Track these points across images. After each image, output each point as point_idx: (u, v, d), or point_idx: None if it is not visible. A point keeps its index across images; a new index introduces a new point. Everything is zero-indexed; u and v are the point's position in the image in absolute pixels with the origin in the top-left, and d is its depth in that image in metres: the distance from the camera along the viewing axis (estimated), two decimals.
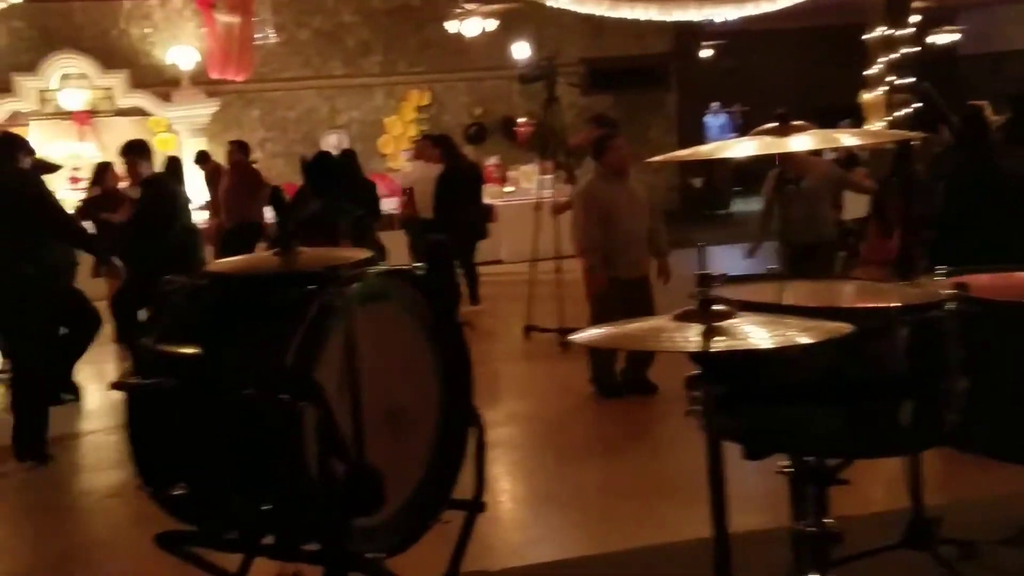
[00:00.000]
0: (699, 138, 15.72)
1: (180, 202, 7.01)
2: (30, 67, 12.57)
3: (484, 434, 3.00)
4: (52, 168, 6.65)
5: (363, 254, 2.92)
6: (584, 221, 6.37)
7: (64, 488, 5.68)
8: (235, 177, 10.12)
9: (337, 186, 5.62)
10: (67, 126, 12.79)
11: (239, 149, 10.35)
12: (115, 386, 2.84)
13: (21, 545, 4.89)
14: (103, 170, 9.46)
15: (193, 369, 2.74)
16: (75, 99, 12.71)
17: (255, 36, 12.21)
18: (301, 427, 2.52)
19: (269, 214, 11.84)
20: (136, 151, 6.94)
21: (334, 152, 13.68)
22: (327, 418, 2.56)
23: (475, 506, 2.98)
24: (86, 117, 12.81)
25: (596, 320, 4.94)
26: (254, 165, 12.30)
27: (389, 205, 11.18)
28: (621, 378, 6.46)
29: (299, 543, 2.69)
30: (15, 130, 12.31)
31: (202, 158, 11.57)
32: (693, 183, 15.90)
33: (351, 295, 2.67)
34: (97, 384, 7.22)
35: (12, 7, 10.73)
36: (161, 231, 6.66)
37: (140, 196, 7.01)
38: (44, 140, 12.51)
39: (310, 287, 2.66)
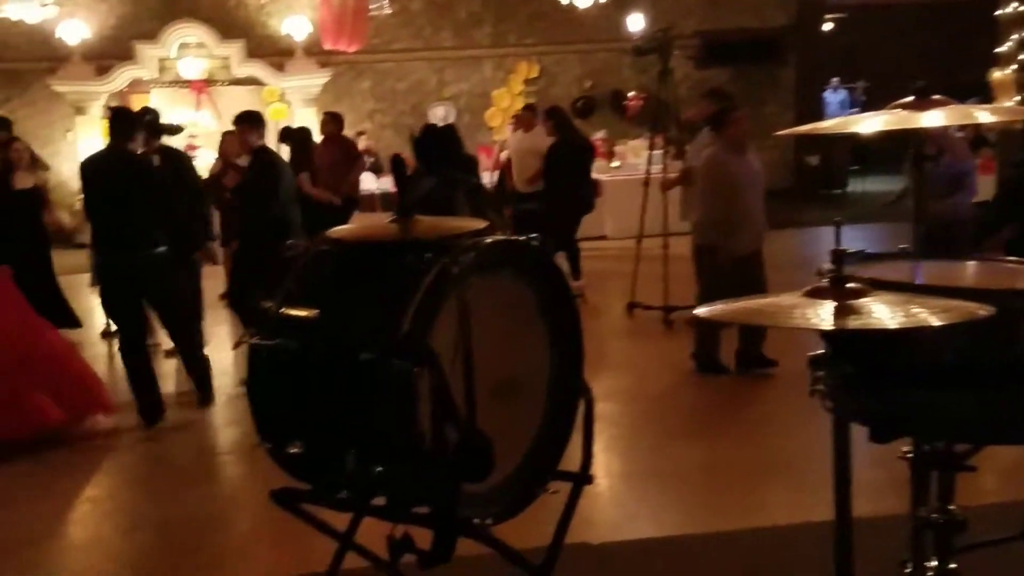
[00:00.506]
0: (818, 114, 15.27)
1: (285, 173, 7.13)
2: (151, 36, 12.94)
3: (593, 407, 3.01)
4: (174, 129, 6.78)
5: (479, 224, 2.94)
6: (709, 194, 6.30)
7: (186, 445, 5.91)
8: (331, 150, 10.24)
9: (447, 158, 5.64)
10: (185, 94, 13.17)
11: (333, 121, 10.45)
12: (239, 346, 2.94)
13: (147, 501, 5.09)
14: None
15: (313, 332, 2.81)
16: (193, 68, 13.05)
17: (370, 7, 12.33)
18: (415, 392, 2.57)
19: (371, 184, 12.06)
20: (248, 121, 7.09)
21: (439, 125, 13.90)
22: (441, 384, 2.60)
23: (582, 478, 2.99)
24: (203, 86, 13.16)
25: (710, 295, 4.87)
26: (361, 136, 12.52)
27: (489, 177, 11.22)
28: (737, 356, 6.42)
29: (409, 505, 2.74)
30: (136, 97, 12.85)
31: (286, 135, 11.69)
32: (809, 161, 15.47)
33: (467, 264, 2.70)
34: (213, 345, 7.42)
35: None
36: (266, 201, 6.80)
37: (248, 165, 7.17)
38: (163, 108, 12.89)
39: (427, 255, 2.70)
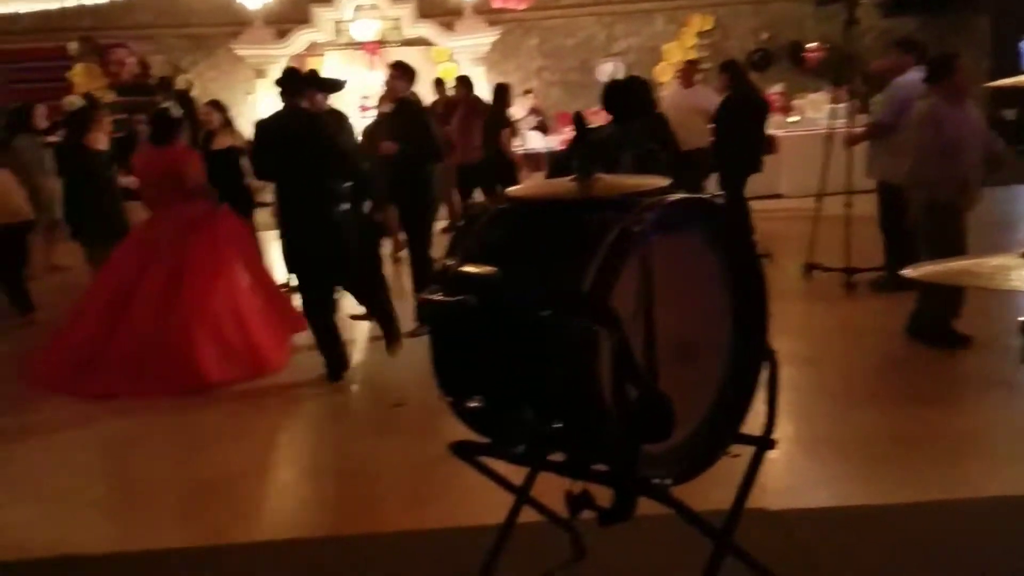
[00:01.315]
0: (1015, 66, 14.26)
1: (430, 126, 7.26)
2: None
3: (777, 371, 2.92)
4: (337, 85, 6.85)
5: (662, 182, 2.88)
6: (926, 148, 5.91)
7: (365, 397, 6.11)
8: (465, 113, 10.33)
9: (630, 115, 5.49)
10: (358, 56, 13.46)
11: (463, 85, 10.63)
12: (421, 302, 2.99)
13: (328, 449, 5.30)
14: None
15: (493, 289, 2.83)
16: (366, 29, 13.34)
17: None
18: (596, 351, 2.55)
19: (538, 143, 12.05)
20: (399, 68, 7.24)
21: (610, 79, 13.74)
22: (621, 343, 2.57)
23: (765, 443, 2.92)
24: (375, 47, 13.42)
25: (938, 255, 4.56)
26: (528, 94, 12.50)
27: None
28: (915, 320, 6.08)
29: (588, 463, 2.74)
30: (312, 60, 13.24)
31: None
32: (1004, 115, 14.49)
33: (650, 223, 2.65)
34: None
35: None
36: (416, 141, 6.92)
37: (391, 112, 7.28)
38: (338, 69, 13.26)
39: (610, 213, 2.66)
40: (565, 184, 2.98)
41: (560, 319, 2.59)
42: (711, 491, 3.03)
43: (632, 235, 2.61)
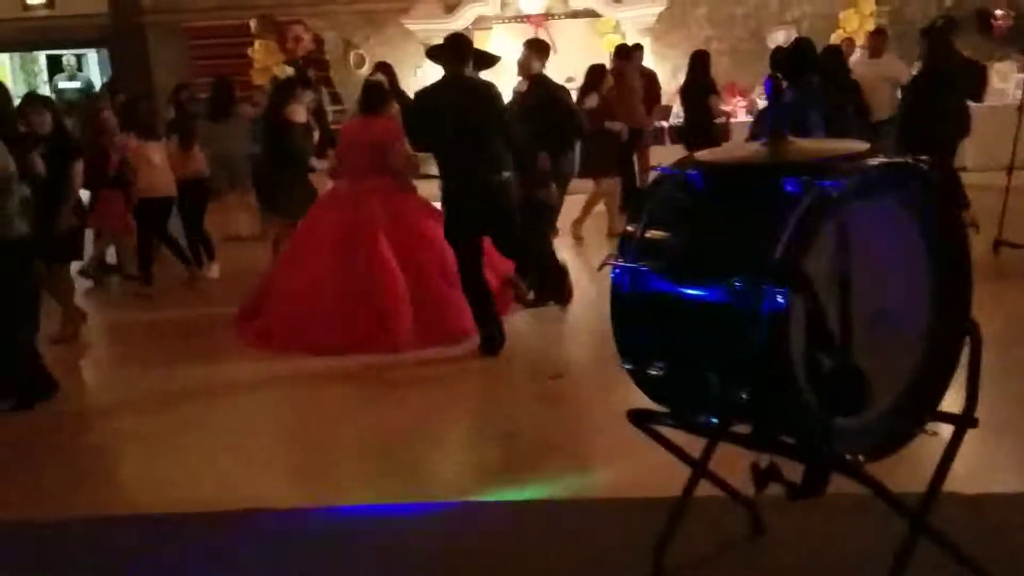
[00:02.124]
0: None
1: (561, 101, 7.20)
2: None
3: (980, 346, 2.77)
4: (491, 60, 6.82)
5: (860, 146, 2.76)
6: None
7: (519, 366, 6.15)
8: (617, 84, 10.19)
9: (804, 75, 5.29)
10: (524, 29, 13.49)
11: (619, 55, 10.48)
12: (602, 268, 2.97)
13: (493, 415, 5.37)
14: (598, 75, 9.62)
15: (679, 255, 2.78)
16: (534, 2, 13.35)
17: None
18: (788, 319, 2.48)
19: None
20: (531, 46, 7.17)
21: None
22: (816, 312, 2.49)
23: (966, 421, 2.78)
24: (541, 19, 13.41)
25: None
26: None
27: None
28: None
29: (776, 435, 2.67)
30: (479, 33, 13.35)
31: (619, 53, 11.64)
32: None
33: (847, 187, 2.55)
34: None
35: None
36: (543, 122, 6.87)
37: (526, 91, 7.20)
38: (503, 42, 13.35)
39: (804, 178, 2.57)
40: (755, 148, 2.90)
41: (750, 286, 2.52)
42: (904, 469, 2.92)
43: (829, 200, 2.52)
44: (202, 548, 3.81)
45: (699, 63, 10.45)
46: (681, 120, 11.09)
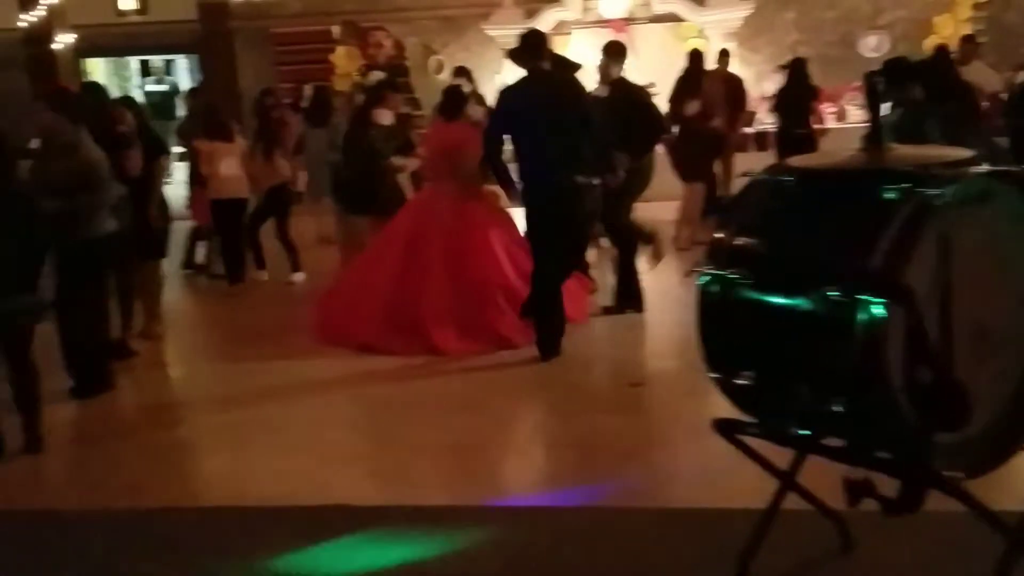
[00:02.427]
0: None
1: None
2: None
3: None
4: (572, 66, 6.78)
5: (963, 153, 2.67)
6: None
7: (597, 373, 6.11)
8: (716, 86, 10.05)
9: (919, 86, 5.15)
10: (604, 34, 13.42)
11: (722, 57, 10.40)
12: (690, 274, 2.93)
13: (561, 423, 5.34)
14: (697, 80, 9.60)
15: (770, 263, 2.73)
16: (615, 7, 13.26)
17: None
18: (885, 331, 2.41)
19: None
20: (611, 51, 7.08)
21: (874, 54, 13.00)
22: (916, 324, 2.41)
23: None
24: (622, 25, 13.32)
25: None
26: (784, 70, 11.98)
27: None
28: None
29: (871, 449, 2.60)
30: (558, 39, 13.33)
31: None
32: None
33: (950, 196, 2.47)
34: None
35: None
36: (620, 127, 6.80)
37: (607, 95, 7.07)
38: (583, 48, 13.31)
39: (904, 185, 2.49)
40: (852, 154, 2.82)
41: (846, 296, 2.46)
42: (1005, 488, 2.81)
43: (930, 208, 2.44)
44: (281, 542, 3.85)
45: (799, 70, 10.26)
46: (773, 127, 10.92)
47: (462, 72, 9.20)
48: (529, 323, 6.16)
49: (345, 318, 6.60)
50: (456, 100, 6.88)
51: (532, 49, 6.10)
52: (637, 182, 7.09)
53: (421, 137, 7.44)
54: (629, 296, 6.96)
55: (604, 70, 7.17)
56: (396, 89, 8.54)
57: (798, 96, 10.13)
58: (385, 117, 7.92)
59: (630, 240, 6.98)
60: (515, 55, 6.29)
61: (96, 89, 7.79)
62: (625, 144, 6.71)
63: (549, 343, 6.06)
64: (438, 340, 6.26)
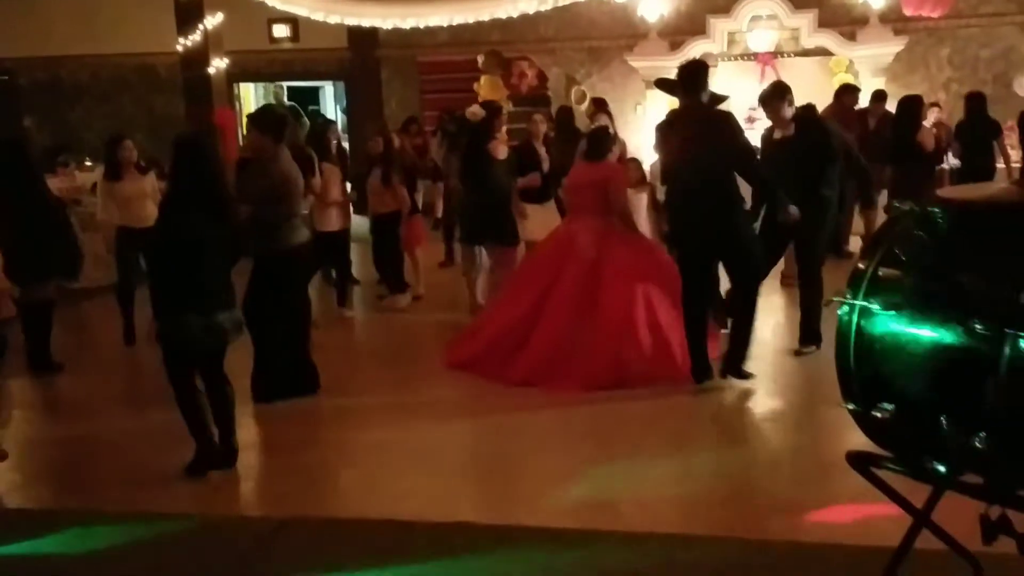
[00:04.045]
0: None
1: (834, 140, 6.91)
2: (725, 10, 13.26)
3: None
4: (718, 99, 6.76)
5: None
6: None
7: (722, 407, 6.04)
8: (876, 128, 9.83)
9: None
10: (750, 67, 13.31)
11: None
12: (829, 304, 2.90)
13: (690, 455, 5.29)
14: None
15: (914, 293, 2.68)
16: (762, 40, 13.15)
17: None
18: None
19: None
20: (776, 94, 6.86)
21: None
22: None
23: None
24: (769, 58, 13.19)
25: None
26: (934, 107, 11.65)
27: None
28: None
29: (1012, 487, 2.51)
30: None
31: (877, 97, 11.20)
32: None
33: None
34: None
35: None
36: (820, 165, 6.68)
37: (793, 137, 6.86)
38: (728, 80, 13.22)
39: None
40: (1005, 188, 2.75)
41: (993, 329, 2.39)
42: None
43: None
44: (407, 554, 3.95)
45: (978, 104, 9.97)
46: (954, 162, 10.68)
47: (601, 107, 9.23)
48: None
49: (481, 348, 6.73)
50: (602, 143, 6.96)
51: (686, 81, 6.11)
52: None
53: (565, 176, 7.51)
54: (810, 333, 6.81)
55: (777, 119, 6.89)
56: (498, 119, 8.52)
57: (981, 131, 9.90)
58: (500, 151, 8.01)
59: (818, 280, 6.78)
60: (667, 86, 6.35)
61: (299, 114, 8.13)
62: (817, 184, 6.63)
63: (700, 370, 6.12)
64: (615, 368, 6.27)
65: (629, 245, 6.65)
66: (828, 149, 6.73)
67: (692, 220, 6.06)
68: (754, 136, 12.17)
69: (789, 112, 6.79)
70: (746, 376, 6.15)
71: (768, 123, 7.23)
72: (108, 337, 8.11)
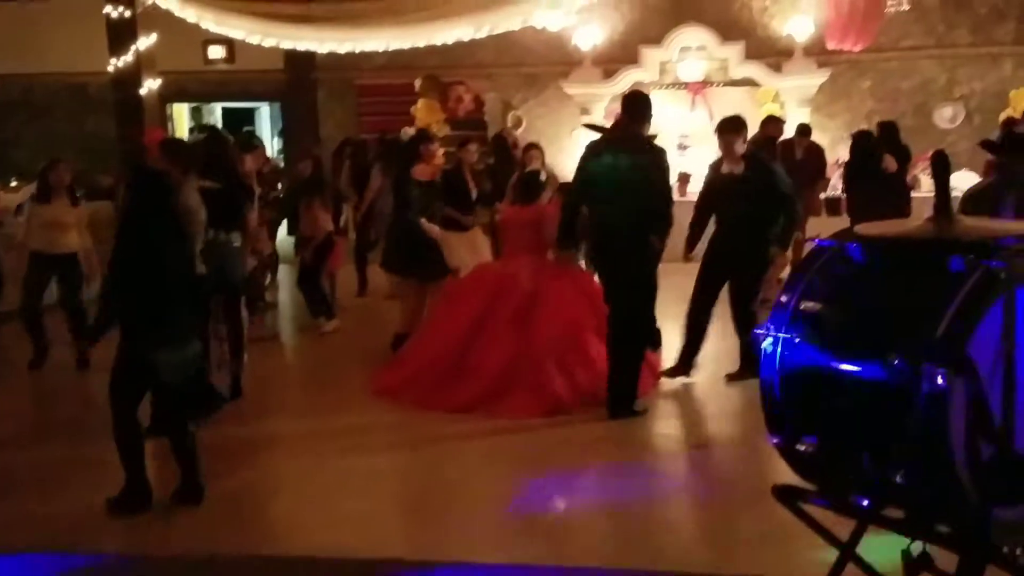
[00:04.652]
0: None
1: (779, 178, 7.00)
2: (656, 40, 13.47)
3: None
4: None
5: None
6: None
7: (655, 435, 6.07)
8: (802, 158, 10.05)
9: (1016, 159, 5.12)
10: (681, 95, 13.54)
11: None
12: (756, 338, 2.95)
13: (602, 478, 5.33)
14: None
15: (834, 329, 2.74)
16: (692, 70, 13.38)
17: (887, 4, 11.76)
18: (948, 402, 2.41)
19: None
20: (731, 129, 6.85)
21: (949, 125, 12.92)
22: (978, 396, 2.41)
23: None
24: (699, 87, 13.44)
25: None
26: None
27: None
28: None
29: (931, 521, 2.58)
30: None
31: (802, 131, 11.45)
32: None
33: (1016, 268, 2.47)
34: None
35: None
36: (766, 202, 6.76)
37: (742, 176, 6.84)
38: (658, 109, 13.36)
39: (970, 256, 2.51)
40: (919, 224, 2.84)
41: (910, 365, 2.46)
42: None
43: (996, 281, 2.45)
44: None
45: (890, 133, 10.05)
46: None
47: (531, 148, 9.21)
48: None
49: (409, 375, 6.71)
50: (535, 188, 7.02)
51: (633, 110, 6.20)
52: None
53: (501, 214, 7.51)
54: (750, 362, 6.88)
55: (728, 153, 6.88)
56: (426, 143, 8.49)
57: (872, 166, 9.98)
58: (424, 173, 7.96)
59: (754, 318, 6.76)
60: (600, 129, 6.44)
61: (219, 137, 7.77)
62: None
63: (618, 402, 6.11)
64: (553, 395, 6.28)
65: (564, 279, 6.71)
66: (776, 192, 6.76)
67: (612, 246, 6.13)
68: (685, 163, 12.55)
69: (741, 148, 6.85)
70: (636, 413, 6.17)
71: (702, 154, 7.33)
72: (24, 362, 7.88)
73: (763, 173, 6.81)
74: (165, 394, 4.88)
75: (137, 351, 4.75)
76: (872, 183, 8.89)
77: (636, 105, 6.26)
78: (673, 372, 6.96)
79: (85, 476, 5.27)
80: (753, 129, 10.43)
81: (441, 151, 8.98)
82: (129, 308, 4.84)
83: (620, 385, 6.13)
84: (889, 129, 9.60)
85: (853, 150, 9.47)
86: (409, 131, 11.15)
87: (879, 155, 9.03)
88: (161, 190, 4.95)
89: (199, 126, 14.57)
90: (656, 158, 6.15)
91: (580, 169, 6.32)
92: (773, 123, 10.47)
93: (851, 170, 9.46)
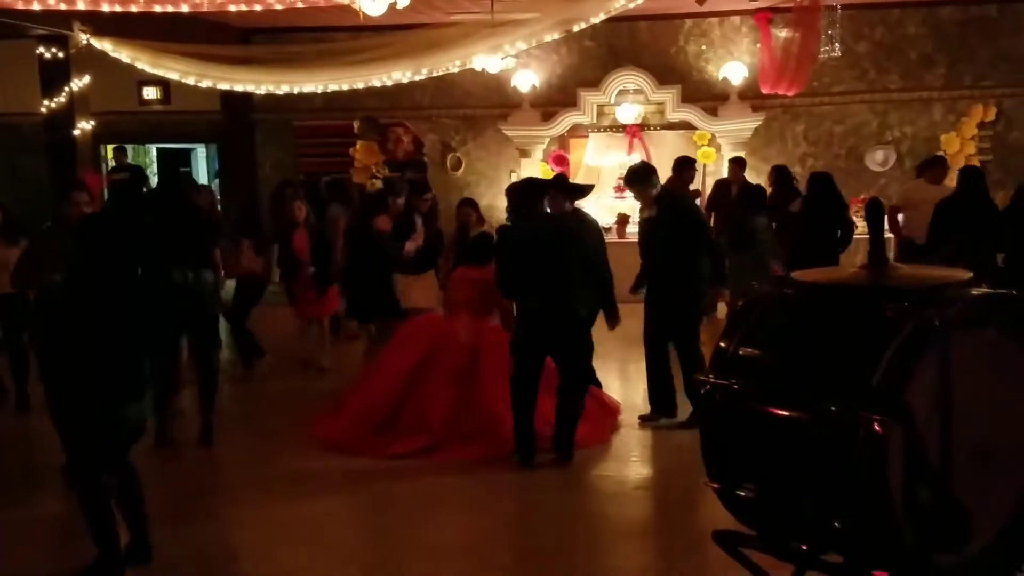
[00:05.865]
0: None
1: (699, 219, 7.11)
2: (594, 83, 13.62)
3: None
4: (582, 192, 7.12)
5: (963, 274, 2.73)
6: None
7: (600, 476, 6.04)
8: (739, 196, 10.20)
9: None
10: (619, 138, 13.69)
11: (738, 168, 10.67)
12: (696, 384, 2.96)
13: (548, 520, 5.29)
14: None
15: (773, 375, 2.76)
16: (629, 113, 13.53)
17: (821, 50, 12.02)
18: (886, 449, 2.43)
19: None
20: (638, 179, 6.96)
21: (881, 168, 13.23)
22: (914, 442, 2.43)
23: None
24: (636, 130, 13.60)
25: None
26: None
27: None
28: None
29: (869, 567, 2.59)
30: (574, 141, 13.63)
31: (736, 162, 11.65)
32: None
33: (950, 316, 2.51)
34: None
35: (587, 28, 11.71)
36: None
37: (655, 214, 6.89)
38: (597, 151, 13.55)
39: (905, 304, 2.54)
40: (855, 271, 2.88)
41: (847, 411, 2.48)
42: None
43: (932, 328, 2.48)
44: None
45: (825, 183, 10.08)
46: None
47: (468, 203, 9.20)
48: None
49: (348, 423, 6.61)
50: (485, 250, 7.03)
51: (524, 199, 6.39)
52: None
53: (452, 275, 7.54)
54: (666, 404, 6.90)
55: (643, 198, 6.99)
56: (398, 192, 8.53)
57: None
58: (385, 224, 8.04)
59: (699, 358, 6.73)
60: (516, 205, 6.52)
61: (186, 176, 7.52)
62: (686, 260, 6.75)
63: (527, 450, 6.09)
64: (503, 439, 6.20)
65: (503, 339, 6.71)
66: (685, 224, 6.81)
67: (532, 314, 6.17)
68: (623, 205, 12.67)
69: (653, 192, 6.93)
70: (567, 458, 6.15)
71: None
72: None
73: (671, 209, 6.90)
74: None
75: (107, 407, 4.38)
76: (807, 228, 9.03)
77: (524, 193, 6.46)
78: (651, 417, 6.96)
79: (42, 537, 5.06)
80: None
81: (401, 201, 8.98)
82: (95, 361, 4.38)
83: (565, 428, 6.16)
84: (782, 173, 9.95)
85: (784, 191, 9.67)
86: (377, 183, 11.21)
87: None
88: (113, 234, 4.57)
89: (118, 166, 14.35)
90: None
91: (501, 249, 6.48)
92: (687, 167, 10.41)
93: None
